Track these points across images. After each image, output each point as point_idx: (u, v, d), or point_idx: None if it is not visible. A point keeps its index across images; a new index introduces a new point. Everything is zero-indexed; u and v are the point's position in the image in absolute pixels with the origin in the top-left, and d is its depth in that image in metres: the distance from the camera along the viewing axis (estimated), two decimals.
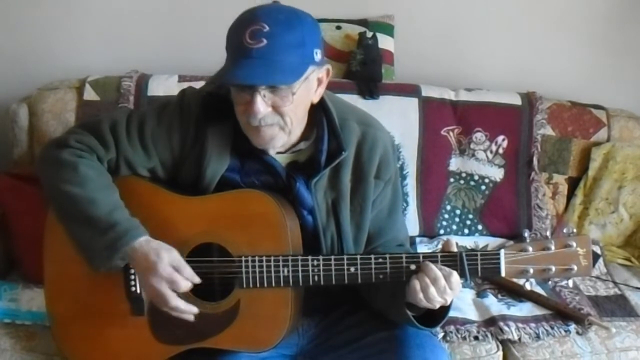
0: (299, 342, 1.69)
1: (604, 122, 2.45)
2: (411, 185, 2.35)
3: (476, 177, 2.38)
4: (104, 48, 2.58)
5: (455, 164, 2.38)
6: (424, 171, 2.36)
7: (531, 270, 1.48)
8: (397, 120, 2.30)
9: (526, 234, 1.51)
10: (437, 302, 1.46)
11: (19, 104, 2.32)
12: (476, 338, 1.91)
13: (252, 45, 1.42)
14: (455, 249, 1.50)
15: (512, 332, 1.91)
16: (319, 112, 1.61)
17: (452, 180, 2.38)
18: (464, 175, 2.38)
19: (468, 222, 2.37)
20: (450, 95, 2.41)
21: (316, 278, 1.52)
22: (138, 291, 1.60)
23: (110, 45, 2.58)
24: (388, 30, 2.57)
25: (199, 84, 1.77)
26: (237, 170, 1.62)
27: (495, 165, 2.39)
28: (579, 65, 2.67)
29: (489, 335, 1.92)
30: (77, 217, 1.54)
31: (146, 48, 2.56)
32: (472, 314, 2.00)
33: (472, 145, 2.38)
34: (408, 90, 2.40)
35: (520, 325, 1.93)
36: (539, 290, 2.08)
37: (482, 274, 1.50)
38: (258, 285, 1.53)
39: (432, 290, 1.45)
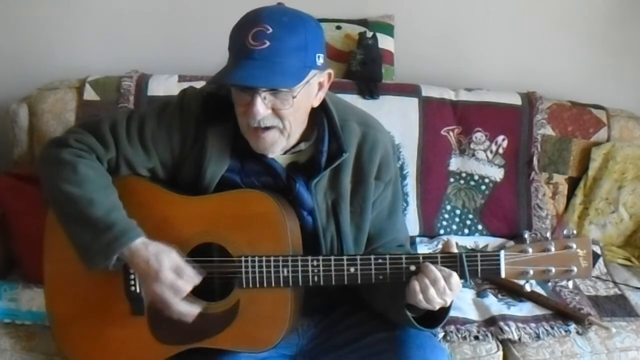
0: (299, 342, 1.69)
1: (604, 122, 2.45)
2: (411, 185, 2.35)
3: (476, 177, 2.38)
4: (104, 48, 2.58)
5: (455, 164, 2.38)
6: (424, 171, 2.36)
7: (531, 272, 1.48)
8: (397, 120, 2.30)
9: (526, 235, 1.51)
10: (437, 304, 1.46)
11: (19, 104, 2.32)
12: (476, 338, 1.91)
13: (255, 47, 1.42)
14: (455, 250, 1.50)
15: (512, 332, 1.91)
16: (319, 113, 1.61)
17: (452, 180, 2.38)
18: (464, 175, 2.38)
19: (468, 222, 2.37)
20: (450, 95, 2.41)
21: (316, 278, 1.52)
22: (138, 291, 1.60)
23: (110, 45, 2.58)
24: (388, 30, 2.57)
25: (199, 84, 1.77)
26: (237, 171, 1.61)
27: (495, 165, 2.39)
28: (579, 65, 2.67)
29: (489, 335, 1.92)
30: (75, 217, 1.54)
31: (146, 48, 2.56)
32: (472, 314, 2.00)
33: (472, 145, 2.38)
34: (408, 90, 2.40)
35: (520, 325, 1.93)
36: (539, 290, 2.08)
37: (482, 275, 1.50)
38: (258, 285, 1.53)
39: (432, 291, 1.45)
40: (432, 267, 1.46)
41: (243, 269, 1.53)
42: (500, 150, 2.39)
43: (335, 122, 1.60)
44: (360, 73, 2.42)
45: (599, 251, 2.29)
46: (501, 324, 1.93)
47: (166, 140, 1.61)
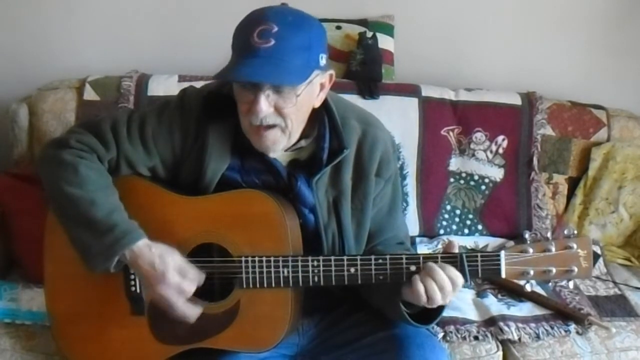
0: (299, 342, 1.69)
1: (604, 122, 2.45)
2: (411, 185, 2.35)
3: (476, 177, 2.38)
4: (104, 48, 2.58)
5: (455, 164, 2.38)
6: (424, 171, 2.36)
7: (531, 272, 1.48)
8: (397, 120, 2.30)
9: (526, 235, 1.51)
10: (438, 303, 1.47)
11: (19, 104, 2.32)
12: (476, 338, 1.91)
13: (260, 45, 1.42)
14: (456, 251, 1.50)
15: (512, 332, 1.91)
16: (320, 111, 1.61)
17: (452, 180, 2.38)
18: (464, 175, 2.38)
19: (468, 222, 2.37)
20: (450, 95, 2.41)
21: (316, 279, 1.52)
22: (138, 291, 1.60)
23: (110, 45, 2.58)
24: (388, 30, 2.57)
25: (199, 84, 1.77)
26: (237, 169, 1.62)
27: (495, 165, 2.39)
28: (579, 65, 2.67)
29: (489, 335, 1.92)
30: (76, 218, 1.54)
31: (146, 48, 2.56)
32: (472, 314, 2.00)
33: (472, 145, 2.38)
34: (408, 90, 2.40)
35: (520, 325, 1.93)
36: (539, 290, 2.08)
37: (483, 275, 1.50)
38: (258, 285, 1.53)
39: (438, 296, 1.45)
40: (439, 270, 1.46)
41: (243, 269, 1.53)
42: (500, 150, 2.39)
43: (336, 119, 1.61)
44: (360, 73, 2.42)
45: (599, 251, 2.29)
46: (501, 324, 1.93)
47: (167, 139, 1.61)
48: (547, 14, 2.62)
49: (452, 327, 1.91)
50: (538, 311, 2.01)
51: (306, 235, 1.59)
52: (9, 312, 1.90)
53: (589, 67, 2.67)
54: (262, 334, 1.55)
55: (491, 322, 1.95)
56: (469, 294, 2.09)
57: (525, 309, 2.02)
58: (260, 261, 1.52)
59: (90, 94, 2.30)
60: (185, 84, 2.11)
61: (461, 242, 2.28)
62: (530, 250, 1.48)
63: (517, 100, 2.42)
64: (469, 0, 2.61)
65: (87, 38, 2.58)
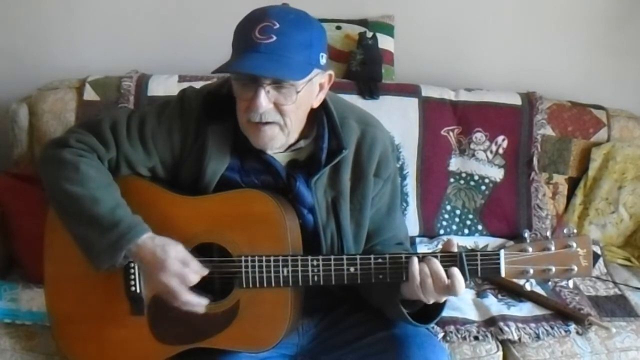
0: (299, 342, 1.69)
1: (604, 122, 2.45)
2: (411, 185, 2.35)
3: (476, 177, 2.38)
4: (104, 48, 2.58)
5: (455, 164, 2.38)
6: (424, 171, 2.36)
7: (531, 271, 1.48)
8: (397, 120, 2.30)
9: (526, 234, 1.51)
10: (432, 293, 1.46)
11: (19, 104, 2.32)
12: (476, 338, 1.91)
13: (261, 41, 1.43)
14: (455, 250, 1.50)
15: (512, 332, 1.91)
16: (319, 111, 1.61)
17: (452, 180, 2.38)
18: (464, 175, 2.38)
19: (468, 222, 2.37)
20: (450, 95, 2.41)
21: (316, 278, 1.52)
22: (138, 291, 1.60)
23: (110, 45, 2.58)
24: (388, 30, 2.57)
25: (199, 84, 1.77)
26: (237, 169, 1.62)
27: (495, 165, 2.39)
28: (579, 65, 2.67)
29: (489, 335, 1.92)
30: (79, 216, 1.54)
31: (146, 48, 2.56)
32: (472, 314, 1.99)
33: (472, 145, 2.38)
34: (408, 90, 2.40)
35: (520, 325, 1.93)
36: (539, 290, 2.08)
37: (482, 274, 1.50)
38: (258, 285, 1.53)
39: (430, 280, 1.44)
40: (436, 260, 1.46)
41: (243, 269, 1.53)
42: (500, 151, 2.39)
43: (335, 119, 1.61)
44: (360, 73, 2.42)
45: (599, 251, 2.29)
46: (501, 324, 1.93)
47: (166, 139, 1.62)
48: (547, 14, 2.62)
49: (452, 327, 1.91)
50: (538, 311, 2.01)
51: (305, 236, 1.59)
52: (9, 312, 1.90)
53: (589, 67, 2.67)
54: (262, 333, 1.55)
55: (491, 322, 1.95)
56: (469, 294, 2.09)
57: (525, 309, 2.02)
58: (260, 261, 1.52)
59: (90, 94, 2.30)
60: (185, 84, 2.12)
61: (461, 242, 2.28)
62: (530, 249, 1.47)
63: (517, 100, 2.42)
64: (469, 0, 2.61)
65: (87, 38, 2.58)
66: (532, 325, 1.94)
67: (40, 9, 2.55)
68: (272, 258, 1.52)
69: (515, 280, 1.81)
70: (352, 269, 1.51)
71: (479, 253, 1.49)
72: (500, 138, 2.39)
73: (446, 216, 2.37)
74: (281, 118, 1.50)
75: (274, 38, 1.43)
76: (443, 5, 2.61)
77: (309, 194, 1.61)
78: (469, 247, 2.29)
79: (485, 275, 1.57)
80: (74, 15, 2.56)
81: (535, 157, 2.38)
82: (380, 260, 1.50)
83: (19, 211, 2.09)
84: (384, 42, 2.52)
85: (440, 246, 2.25)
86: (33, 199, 2.00)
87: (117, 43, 2.58)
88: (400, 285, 1.50)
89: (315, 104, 1.58)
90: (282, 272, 1.52)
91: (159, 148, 1.62)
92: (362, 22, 2.56)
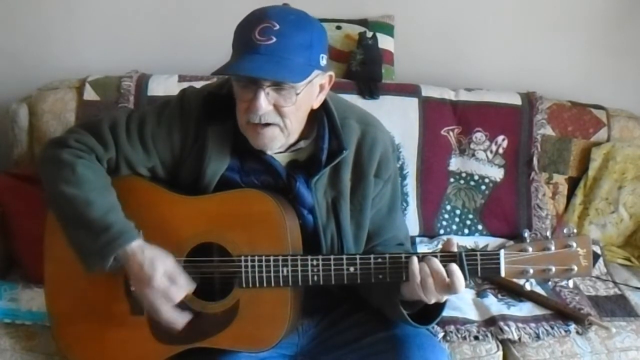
0: (299, 342, 1.69)
1: (604, 122, 2.45)
2: (411, 185, 2.35)
3: (476, 177, 2.38)
4: (104, 48, 2.58)
5: (455, 164, 2.38)
6: (424, 171, 2.36)
7: (531, 271, 1.48)
8: (397, 120, 2.30)
9: (526, 234, 1.50)
10: (432, 292, 1.45)
11: (19, 104, 2.32)
12: (476, 338, 1.90)
13: (261, 42, 1.42)
14: (455, 249, 1.50)
15: (512, 332, 1.91)
16: (319, 111, 1.61)
17: (452, 180, 2.38)
18: (464, 175, 2.38)
19: (468, 222, 2.37)
20: (450, 95, 2.41)
21: (315, 278, 1.52)
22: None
23: (110, 45, 2.58)
24: (388, 30, 2.57)
25: (199, 84, 1.77)
26: (237, 169, 1.62)
27: (495, 165, 2.39)
28: (579, 65, 2.67)
29: (489, 335, 1.91)
30: (73, 218, 1.54)
31: (146, 48, 2.56)
32: (472, 314, 1.99)
33: (472, 145, 2.38)
34: (408, 90, 2.40)
35: (520, 325, 1.93)
36: (539, 290, 2.08)
37: (482, 274, 1.50)
38: (257, 285, 1.53)
39: (430, 280, 1.44)
40: (436, 260, 1.46)
41: (243, 269, 1.53)
42: (500, 150, 2.39)
43: (335, 120, 1.61)
44: (360, 73, 2.42)
45: (599, 251, 2.29)
46: (501, 324, 1.92)
47: (166, 140, 1.61)
48: (547, 14, 2.62)
49: (452, 327, 1.91)
50: (538, 311, 2.01)
51: (305, 236, 1.59)
52: (9, 312, 1.90)
53: (589, 67, 2.67)
54: (262, 333, 1.55)
55: (491, 322, 1.95)
56: (469, 294, 2.09)
57: (525, 309, 2.02)
58: (260, 260, 1.52)
59: (90, 94, 2.30)
60: (185, 84, 2.12)
61: (461, 242, 2.28)
62: (530, 249, 1.47)
63: (517, 100, 2.42)
64: (469, 0, 2.61)
65: (87, 38, 2.58)
66: (532, 325, 1.94)
67: (40, 9, 2.55)
68: (272, 258, 1.52)
69: (515, 280, 1.81)
70: (352, 269, 1.51)
71: (478, 253, 1.49)
72: (500, 138, 2.39)
73: (446, 216, 2.37)
74: (281, 119, 1.50)
75: (274, 39, 1.42)
76: (443, 5, 2.61)
77: (309, 195, 1.61)
78: (469, 247, 2.29)
79: (485, 275, 1.57)
80: (74, 15, 2.56)
81: (535, 157, 2.38)
82: (380, 260, 1.50)
83: (19, 211, 2.09)
84: (384, 42, 2.52)
85: (440, 246, 2.25)
86: (33, 199, 1.99)
87: (117, 43, 2.58)
88: (401, 286, 1.50)
89: (316, 105, 1.58)
90: (282, 272, 1.52)
91: (159, 148, 1.62)
92: (362, 22, 2.56)
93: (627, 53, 2.66)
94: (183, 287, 1.51)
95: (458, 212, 2.38)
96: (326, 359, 1.65)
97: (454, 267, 1.44)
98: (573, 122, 2.44)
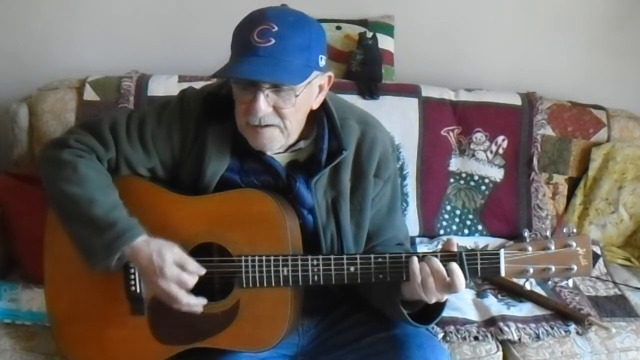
0: (299, 342, 1.69)
1: (604, 122, 2.45)
2: (411, 185, 2.35)
3: (476, 177, 2.38)
4: (104, 48, 2.58)
5: (455, 164, 2.38)
6: (424, 171, 2.36)
7: (531, 270, 1.48)
8: (397, 121, 2.30)
9: (526, 234, 1.51)
10: (433, 292, 1.45)
11: (19, 104, 2.32)
12: (476, 338, 1.90)
13: (260, 44, 1.42)
14: (455, 249, 1.50)
15: (512, 332, 1.91)
16: (319, 111, 1.61)
17: (452, 180, 2.38)
18: (464, 175, 2.38)
19: (468, 223, 2.37)
20: (450, 95, 2.41)
21: (316, 278, 1.52)
22: (138, 291, 1.60)
23: (110, 45, 2.58)
24: (388, 30, 2.57)
25: (199, 84, 1.77)
26: (236, 170, 1.62)
27: (495, 166, 2.39)
28: (579, 65, 2.67)
29: (489, 335, 1.91)
30: (76, 217, 1.54)
31: (146, 48, 2.56)
32: (472, 314, 1.99)
33: (472, 146, 2.38)
34: (408, 90, 2.40)
35: (520, 325, 1.93)
36: (539, 290, 2.08)
37: (482, 273, 1.50)
38: (258, 285, 1.53)
39: (431, 279, 1.44)
40: (436, 259, 1.46)
41: (243, 269, 1.53)
42: (500, 151, 2.39)
43: (335, 120, 1.61)
44: (360, 73, 2.42)
45: (599, 251, 2.29)
46: (501, 324, 1.92)
47: (166, 140, 1.62)
48: (547, 14, 2.62)
49: (452, 328, 1.91)
50: (538, 311, 2.01)
51: (305, 236, 1.59)
52: (9, 313, 1.90)
53: (589, 67, 2.67)
54: (262, 333, 1.55)
55: (491, 323, 1.95)
56: (469, 294, 2.09)
57: (525, 309, 2.02)
58: (260, 260, 1.52)
59: (90, 94, 2.30)
60: (185, 84, 2.12)
61: (461, 242, 2.28)
62: (530, 248, 1.47)
63: (517, 101, 2.42)
64: (469, 0, 2.61)
65: (87, 38, 2.58)
66: (532, 325, 1.94)
67: (40, 9, 2.55)
68: (272, 258, 1.52)
69: (515, 279, 1.82)
70: (352, 269, 1.51)
71: (478, 253, 1.49)
72: (500, 138, 2.39)
73: (446, 216, 2.37)
74: (280, 121, 1.50)
75: (273, 41, 1.42)
76: (443, 5, 2.61)
77: (309, 195, 1.61)
78: (469, 247, 2.29)
79: (485, 274, 1.57)
80: (74, 15, 2.56)
81: (535, 157, 2.38)
82: (380, 259, 1.50)
83: (19, 211, 2.09)
84: (384, 42, 2.52)
85: (440, 246, 2.25)
86: (33, 199, 1.99)
87: (117, 43, 2.58)
88: (401, 286, 1.50)
89: (315, 106, 1.58)
90: (282, 271, 1.52)
91: (159, 149, 1.62)
92: (362, 22, 2.56)
93: (627, 53, 2.66)
94: (194, 272, 1.52)
95: (458, 212, 2.38)
96: (326, 359, 1.65)
97: (454, 266, 1.44)
98: (573, 122, 2.44)
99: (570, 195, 2.43)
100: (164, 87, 2.31)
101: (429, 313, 1.53)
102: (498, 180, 2.39)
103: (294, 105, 1.49)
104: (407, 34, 2.60)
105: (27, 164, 2.28)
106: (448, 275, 1.44)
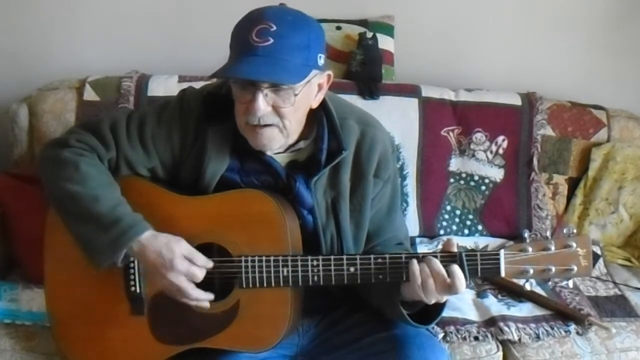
0: (299, 342, 1.69)
1: (604, 122, 2.45)
2: (411, 185, 2.35)
3: (476, 178, 2.38)
4: (104, 48, 2.58)
5: (455, 164, 2.38)
6: (424, 171, 2.36)
7: (531, 271, 1.48)
8: (397, 121, 2.30)
9: (526, 234, 1.50)
10: (433, 293, 1.45)
11: (19, 104, 2.32)
12: (476, 338, 1.90)
13: (259, 44, 1.42)
14: (455, 249, 1.50)
15: (512, 332, 1.91)
16: (319, 112, 1.61)
17: (452, 180, 2.38)
18: (464, 175, 2.38)
19: (468, 223, 2.37)
20: (450, 95, 2.41)
21: (316, 278, 1.52)
22: (138, 291, 1.60)
23: (110, 45, 2.58)
24: (388, 30, 2.57)
25: (199, 84, 1.77)
26: (236, 170, 1.62)
27: (495, 166, 2.39)
28: (579, 65, 2.67)
29: (489, 335, 1.92)
30: (80, 215, 1.54)
31: (146, 48, 2.56)
32: (472, 314, 1.99)
33: (472, 146, 2.38)
34: (408, 90, 2.40)
35: (520, 325, 1.93)
36: (539, 290, 2.08)
37: (482, 274, 1.50)
38: (258, 285, 1.53)
39: (431, 281, 1.44)
40: (437, 260, 1.46)
41: (243, 269, 1.53)
42: (500, 151, 2.39)
43: (335, 120, 1.61)
44: (360, 73, 2.42)
45: (599, 251, 2.29)
46: (501, 324, 1.92)
47: (166, 140, 1.62)
48: (547, 14, 2.62)
49: (452, 328, 1.91)
50: (538, 311, 2.01)
51: (305, 237, 1.59)
52: (9, 313, 1.90)
53: (589, 67, 2.67)
54: (262, 333, 1.55)
55: (491, 323, 1.95)
56: (469, 295, 2.09)
57: (525, 309, 2.02)
58: (260, 261, 1.52)
59: (90, 94, 2.30)
60: (185, 84, 2.12)
61: (461, 242, 2.28)
62: (530, 249, 1.47)
63: (517, 101, 2.42)
64: (469, 0, 2.61)
65: (87, 38, 2.58)
66: (532, 325, 1.94)
67: (40, 9, 2.55)
68: (272, 258, 1.52)
69: (515, 280, 1.81)
70: (352, 269, 1.51)
71: (478, 253, 1.49)
72: (500, 138, 2.39)
73: (446, 216, 2.37)
74: (280, 120, 1.50)
75: (271, 41, 1.42)
76: (443, 5, 2.61)
77: (308, 195, 1.61)
78: (469, 248, 2.29)
79: (485, 275, 1.57)
80: (74, 15, 2.56)
81: (535, 158, 2.38)
82: (380, 260, 1.50)
83: (19, 211, 2.09)
84: (384, 42, 2.52)
85: (440, 246, 2.25)
86: (33, 199, 2.00)
87: (117, 43, 2.58)
88: (401, 286, 1.50)
89: (314, 105, 1.58)
90: (282, 272, 1.52)
91: (159, 149, 1.62)
92: (362, 22, 2.56)
93: (627, 53, 2.66)
94: (203, 265, 1.52)
95: (458, 212, 2.38)
96: (326, 359, 1.65)
97: (455, 267, 1.44)
98: (573, 122, 2.44)
99: (570, 195, 2.43)
100: (164, 87, 2.31)
101: (429, 313, 1.53)
102: (498, 180, 2.39)
103: (293, 104, 1.49)
104: (407, 34, 2.60)
105: (27, 164, 2.28)
106: (448, 276, 1.44)
